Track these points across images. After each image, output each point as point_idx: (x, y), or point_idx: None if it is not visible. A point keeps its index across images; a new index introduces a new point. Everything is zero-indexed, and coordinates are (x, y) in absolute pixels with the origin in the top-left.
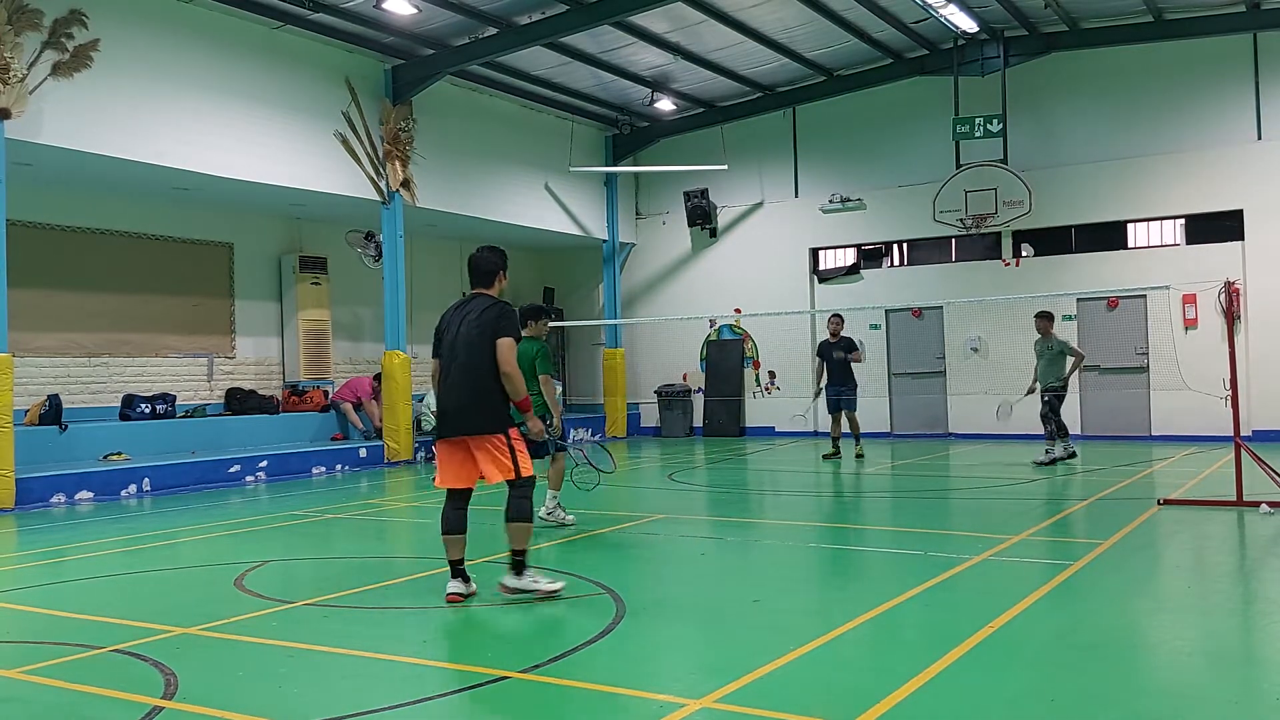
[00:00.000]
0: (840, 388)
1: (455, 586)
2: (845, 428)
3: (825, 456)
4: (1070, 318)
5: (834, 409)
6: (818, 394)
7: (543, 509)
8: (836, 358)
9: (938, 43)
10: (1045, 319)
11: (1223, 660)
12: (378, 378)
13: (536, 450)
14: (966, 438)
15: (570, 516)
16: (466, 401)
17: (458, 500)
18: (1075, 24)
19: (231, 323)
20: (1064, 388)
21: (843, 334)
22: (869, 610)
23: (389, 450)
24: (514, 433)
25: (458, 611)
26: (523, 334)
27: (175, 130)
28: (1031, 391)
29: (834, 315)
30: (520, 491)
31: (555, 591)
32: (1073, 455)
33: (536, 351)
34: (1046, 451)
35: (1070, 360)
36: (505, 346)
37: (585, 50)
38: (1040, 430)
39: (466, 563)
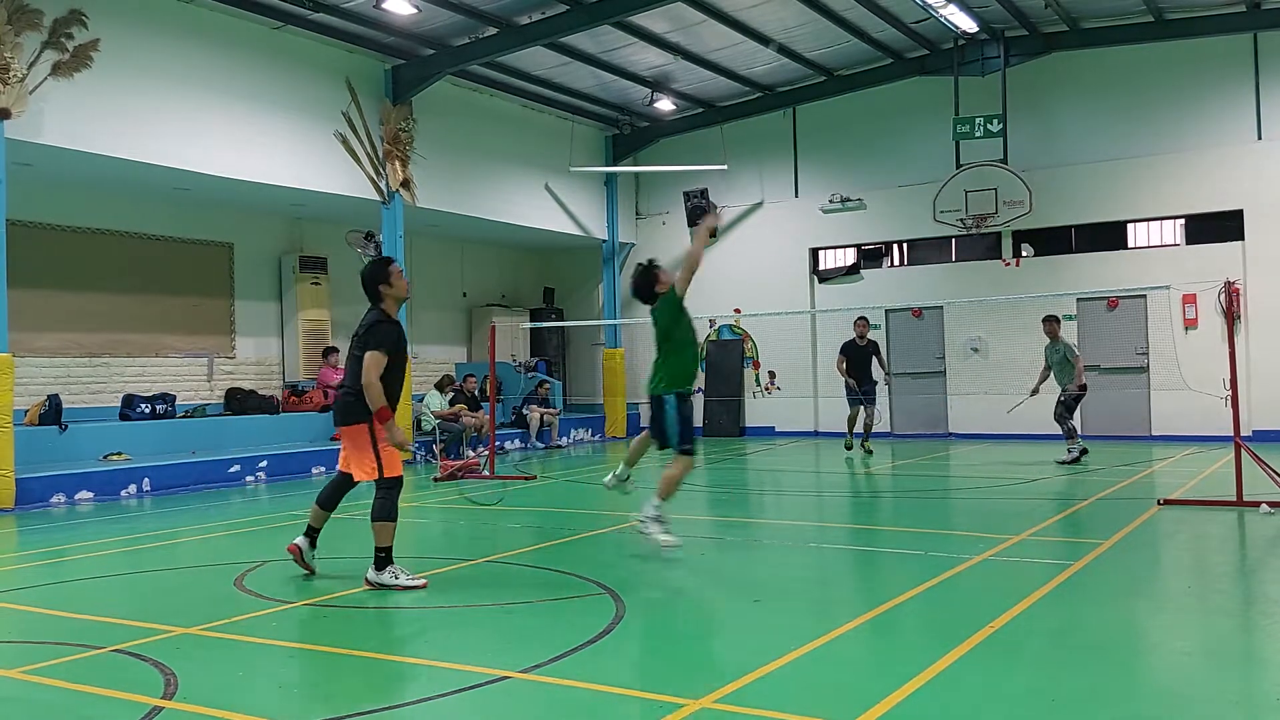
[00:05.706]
0: (860, 386)
1: (300, 541)
2: (858, 427)
3: (848, 447)
4: (1070, 318)
5: (854, 405)
6: (848, 387)
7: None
8: (860, 357)
9: (938, 43)
10: (1053, 323)
11: (1223, 660)
12: None
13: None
14: (967, 438)
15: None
16: (340, 398)
17: (341, 482)
18: (1075, 24)
19: (231, 323)
20: (1082, 389)
21: (869, 337)
22: (869, 610)
23: None
24: (380, 431)
25: (458, 612)
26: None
27: (175, 130)
28: (1035, 393)
29: (860, 318)
30: (384, 492)
31: (416, 587)
32: (1080, 457)
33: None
34: (1069, 450)
35: (1075, 365)
36: (367, 359)
37: (585, 50)
38: (1054, 430)
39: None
